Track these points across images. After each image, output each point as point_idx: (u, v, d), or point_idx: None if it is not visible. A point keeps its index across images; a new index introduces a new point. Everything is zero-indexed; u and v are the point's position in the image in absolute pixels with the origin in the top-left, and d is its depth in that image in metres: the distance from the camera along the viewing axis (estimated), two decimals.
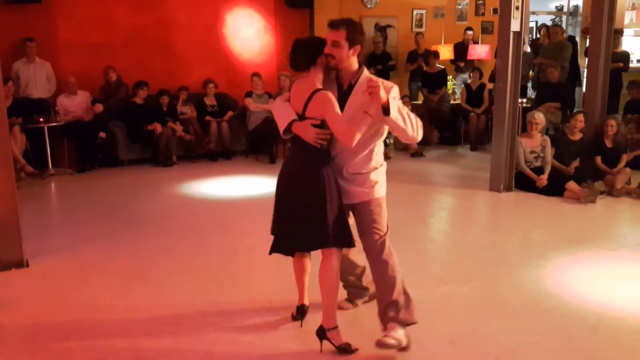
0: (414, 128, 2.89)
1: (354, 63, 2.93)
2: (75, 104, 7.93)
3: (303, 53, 2.91)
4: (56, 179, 7.39)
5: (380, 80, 2.83)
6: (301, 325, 3.28)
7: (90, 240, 4.89)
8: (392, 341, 2.87)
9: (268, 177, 7.31)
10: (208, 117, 8.48)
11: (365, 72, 2.96)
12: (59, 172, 7.54)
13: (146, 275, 4.13)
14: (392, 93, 2.85)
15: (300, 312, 3.32)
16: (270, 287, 3.88)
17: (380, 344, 2.86)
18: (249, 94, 8.57)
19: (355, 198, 3.01)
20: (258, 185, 6.98)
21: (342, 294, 3.40)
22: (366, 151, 2.96)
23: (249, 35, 9.50)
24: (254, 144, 8.68)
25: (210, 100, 8.68)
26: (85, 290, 3.87)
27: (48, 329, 3.33)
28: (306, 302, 3.35)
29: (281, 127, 2.98)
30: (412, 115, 2.90)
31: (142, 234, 5.08)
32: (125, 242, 4.87)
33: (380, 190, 3.06)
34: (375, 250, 3.01)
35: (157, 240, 4.89)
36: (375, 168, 3.01)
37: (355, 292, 3.51)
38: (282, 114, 2.98)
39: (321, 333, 2.99)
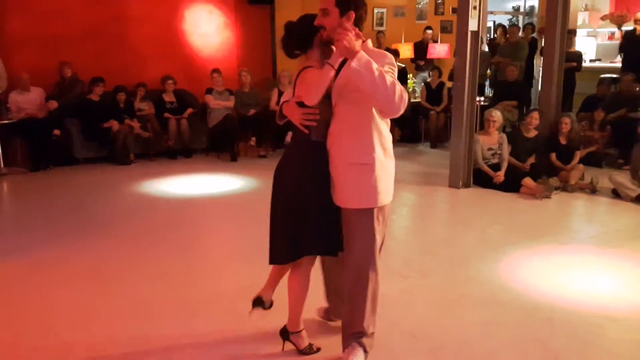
0: (389, 92, 2.38)
1: None
2: (29, 101, 7.66)
3: (295, 36, 2.62)
4: (9, 178, 7.14)
5: (376, 52, 2.56)
6: (249, 314, 3.01)
7: (44, 242, 4.75)
8: None
9: (229, 175, 7.26)
10: (167, 114, 8.33)
11: (368, 44, 2.56)
12: (11, 172, 7.29)
13: (103, 275, 4.03)
14: (384, 61, 2.51)
15: (258, 303, 3.00)
16: (234, 284, 3.84)
17: None
18: (209, 91, 8.47)
19: (346, 202, 2.65)
20: (219, 183, 6.91)
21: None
22: (363, 134, 2.61)
23: (208, 31, 9.39)
24: (214, 141, 8.58)
25: (169, 97, 8.53)
26: (40, 293, 3.75)
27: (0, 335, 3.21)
28: (266, 296, 3.00)
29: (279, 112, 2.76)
30: (390, 79, 2.40)
31: (99, 234, 4.95)
32: (81, 242, 4.74)
33: (382, 197, 2.65)
34: (356, 272, 2.69)
35: (115, 240, 4.79)
36: (380, 161, 2.64)
37: (334, 308, 3.13)
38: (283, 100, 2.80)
39: (285, 334, 2.94)
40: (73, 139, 7.81)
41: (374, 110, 2.60)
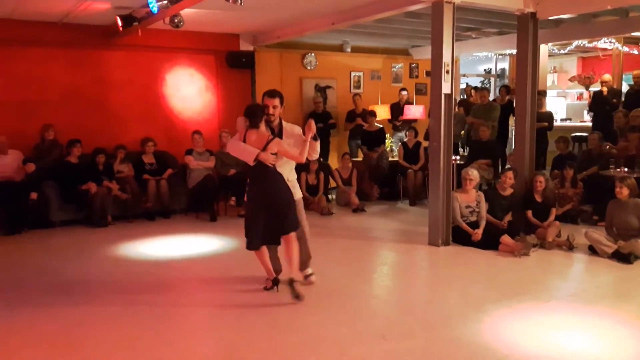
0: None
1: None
2: (5, 164, 7.58)
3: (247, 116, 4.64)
4: None
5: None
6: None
7: (14, 307, 4.59)
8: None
9: (209, 235, 7.20)
10: (146, 176, 8.32)
11: (283, 123, 4.84)
12: None
13: (76, 343, 3.89)
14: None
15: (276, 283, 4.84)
16: (207, 349, 3.74)
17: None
18: (189, 152, 8.52)
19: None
20: (198, 244, 6.83)
21: None
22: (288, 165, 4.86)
23: (189, 94, 9.54)
24: (194, 201, 8.55)
25: (148, 159, 8.55)
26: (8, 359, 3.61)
27: None
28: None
29: (250, 157, 4.55)
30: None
31: (71, 300, 4.81)
32: (52, 308, 4.59)
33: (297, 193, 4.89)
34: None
35: (88, 306, 4.65)
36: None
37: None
38: (247, 149, 4.58)
39: (292, 282, 4.58)
40: (50, 202, 7.69)
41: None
